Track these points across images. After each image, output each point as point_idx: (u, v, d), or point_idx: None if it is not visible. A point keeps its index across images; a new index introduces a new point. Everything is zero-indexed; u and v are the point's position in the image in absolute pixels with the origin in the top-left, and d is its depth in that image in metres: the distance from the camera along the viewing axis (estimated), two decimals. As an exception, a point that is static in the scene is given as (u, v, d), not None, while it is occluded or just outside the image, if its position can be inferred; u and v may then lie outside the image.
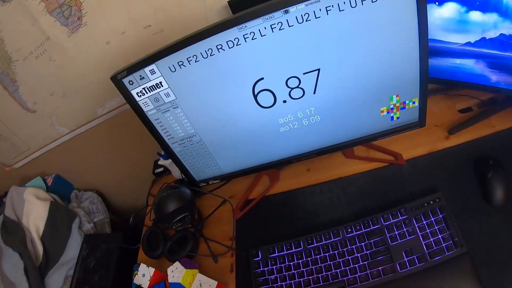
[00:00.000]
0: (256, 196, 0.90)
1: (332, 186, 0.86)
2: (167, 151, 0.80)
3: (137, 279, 0.81)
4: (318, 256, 0.73)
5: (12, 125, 1.04)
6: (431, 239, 0.67)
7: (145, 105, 0.70)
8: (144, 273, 0.81)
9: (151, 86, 0.67)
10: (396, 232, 0.71)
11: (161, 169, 1.08)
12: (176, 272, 0.75)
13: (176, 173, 1.01)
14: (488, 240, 0.66)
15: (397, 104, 0.70)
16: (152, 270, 0.81)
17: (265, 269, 0.75)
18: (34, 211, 1.10)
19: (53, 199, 1.16)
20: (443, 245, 0.66)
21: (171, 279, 0.75)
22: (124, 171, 1.28)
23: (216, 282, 0.73)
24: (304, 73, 0.64)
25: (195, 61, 0.62)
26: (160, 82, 0.66)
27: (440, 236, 0.67)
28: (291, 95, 0.67)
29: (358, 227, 0.74)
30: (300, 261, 0.74)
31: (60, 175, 1.25)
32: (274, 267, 0.74)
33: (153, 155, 1.03)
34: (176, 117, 0.72)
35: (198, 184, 0.90)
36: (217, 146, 0.79)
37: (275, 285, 0.72)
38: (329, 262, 0.72)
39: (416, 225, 0.70)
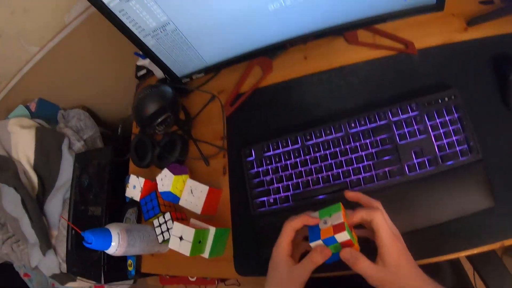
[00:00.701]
0: (247, 89, 0.79)
1: (332, 75, 0.74)
2: (142, 47, 0.68)
3: (129, 192, 0.78)
4: (317, 154, 0.66)
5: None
6: (444, 141, 0.59)
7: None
8: (134, 185, 0.78)
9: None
10: (406, 130, 0.62)
11: (143, 71, 0.96)
12: (165, 179, 0.71)
13: (158, 72, 0.89)
14: (505, 149, 0.58)
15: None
16: (142, 180, 0.77)
17: (260, 169, 0.69)
18: (21, 141, 1.06)
19: (39, 124, 1.10)
20: (457, 148, 0.58)
21: (160, 188, 0.71)
22: (107, 80, 1.19)
23: (208, 187, 0.69)
24: None
25: None
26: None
27: (454, 138, 0.59)
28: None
29: (362, 122, 0.65)
30: (297, 159, 0.67)
31: (43, 98, 1.17)
32: (269, 166, 0.68)
33: (133, 57, 0.91)
34: (143, 3, 0.58)
35: (181, 80, 0.78)
36: (196, 34, 0.66)
37: (271, 186, 0.67)
38: (330, 161, 0.65)
39: (428, 123, 0.61)
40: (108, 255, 0.68)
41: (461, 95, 0.61)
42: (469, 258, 0.68)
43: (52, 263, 1.09)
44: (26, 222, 1.04)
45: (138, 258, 0.82)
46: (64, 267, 1.06)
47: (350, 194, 0.51)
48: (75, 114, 1.15)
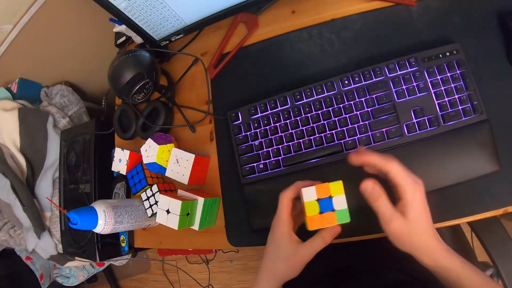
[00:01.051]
0: (232, 49, 0.73)
1: (323, 30, 0.67)
2: (114, 12, 0.62)
3: (115, 166, 0.74)
4: (309, 115, 0.61)
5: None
6: (446, 99, 0.55)
7: None
8: (120, 158, 0.74)
9: None
10: (404, 87, 0.57)
11: (123, 38, 0.90)
12: (149, 150, 0.67)
13: (136, 37, 0.82)
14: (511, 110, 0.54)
15: None
16: (127, 153, 0.73)
17: (248, 133, 0.64)
18: (5, 125, 1.03)
19: (22, 105, 1.06)
20: (460, 107, 0.54)
21: (145, 159, 0.67)
22: (87, 51, 1.13)
23: (193, 155, 0.64)
24: None
25: None
26: None
27: (456, 96, 0.54)
28: None
29: (357, 79, 0.59)
30: (287, 121, 0.62)
31: (23, 78, 1.13)
32: (257, 130, 0.64)
33: (110, 24, 0.84)
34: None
35: (159, 44, 0.72)
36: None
37: (260, 151, 0.63)
38: (322, 122, 0.60)
39: (429, 80, 0.56)
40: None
41: (464, 51, 0.55)
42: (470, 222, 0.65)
43: (48, 245, 1.07)
44: (18, 207, 1.02)
45: (130, 234, 0.80)
46: (60, 247, 1.05)
47: (356, 159, 0.45)
48: (58, 90, 1.10)
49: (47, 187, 1.04)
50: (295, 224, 0.49)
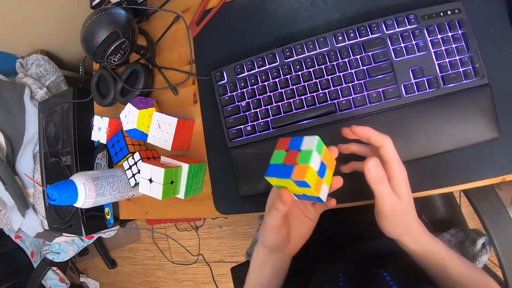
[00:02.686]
0: (215, 4, 0.66)
1: (315, -20, 0.61)
2: None
3: (94, 135, 0.70)
4: (299, 73, 0.56)
5: None
6: (447, 60, 0.51)
7: None
8: (99, 126, 0.70)
9: None
10: (403, 45, 0.52)
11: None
12: (129, 116, 0.62)
13: (113, -3, 0.75)
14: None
15: None
16: (106, 120, 0.68)
17: (234, 93, 0.59)
18: None
19: None
20: (461, 69, 0.50)
21: (125, 125, 0.62)
22: (62, 16, 1.05)
23: (176, 119, 0.60)
24: None
25: None
26: None
27: (458, 57, 0.51)
28: None
29: (352, 35, 0.54)
30: (277, 79, 0.57)
31: None
32: (244, 90, 0.59)
33: None
34: None
35: (136, 0, 0.65)
36: None
37: (247, 112, 0.58)
38: (314, 80, 0.55)
39: (429, 39, 0.52)
40: (85, 206, 0.62)
41: (466, 11, 0.51)
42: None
43: (34, 222, 1.04)
44: (0, 186, 0.97)
45: (115, 205, 0.76)
46: (46, 224, 1.02)
47: (348, 131, 0.42)
48: (34, 60, 1.03)
49: (28, 163, 1.00)
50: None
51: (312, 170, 0.36)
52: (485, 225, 0.59)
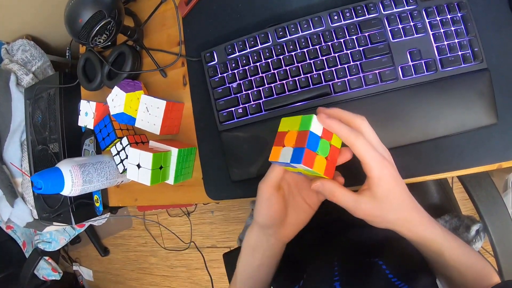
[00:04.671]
0: (205, -19, 0.64)
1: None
2: None
3: (81, 120, 0.68)
4: (293, 53, 0.54)
5: None
6: (445, 43, 0.50)
7: None
8: (86, 111, 0.67)
9: None
10: (400, 26, 0.51)
11: None
12: (116, 100, 0.60)
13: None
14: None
15: None
16: (93, 104, 0.66)
17: (224, 74, 0.57)
18: None
19: None
20: (460, 53, 0.49)
21: (112, 110, 0.60)
22: (47, 0, 0.99)
23: (164, 102, 0.57)
24: None
25: None
26: None
27: (456, 40, 0.49)
28: None
29: (348, 14, 0.52)
30: (269, 60, 0.55)
31: None
32: (235, 71, 0.56)
33: None
34: None
35: (122, -24, 0.63)
36: None
37: (238, 94, 0.56)
38: (308, 61, 0.53)
39: (427, 20, 0.50)
40: (74, 194, 0.60)
41: None
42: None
43: (23, 212, 1.02)
44: (-13, 176, 0.95)
45: (104, 192, 0.74)
46: (36, 213, 1.00)
47: (325, 112, 0.39)
48: (19, 45, 1.00)
49: (15, 151, 0.98)
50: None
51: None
52: (480, 212, 0.58)
